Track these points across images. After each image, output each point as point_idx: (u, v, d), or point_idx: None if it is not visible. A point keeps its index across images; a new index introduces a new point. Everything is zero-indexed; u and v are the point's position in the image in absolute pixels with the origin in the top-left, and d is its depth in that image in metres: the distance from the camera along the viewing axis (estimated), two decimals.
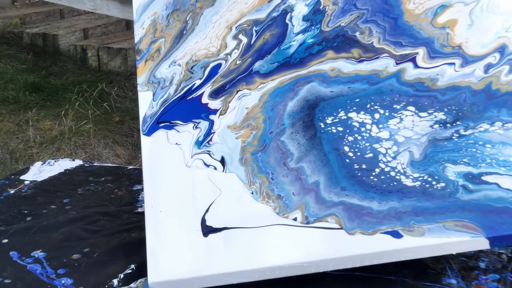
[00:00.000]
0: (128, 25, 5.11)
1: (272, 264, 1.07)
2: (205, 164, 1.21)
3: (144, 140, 1.26)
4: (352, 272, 1.22)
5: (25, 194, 1.65)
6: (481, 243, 1.07)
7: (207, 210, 1.14)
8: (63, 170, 1.79)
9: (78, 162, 1.86)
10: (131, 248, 1.31)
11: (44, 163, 1.83)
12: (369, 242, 1.07)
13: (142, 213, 1.38)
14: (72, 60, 4.63)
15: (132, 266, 1.26)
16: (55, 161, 1.84)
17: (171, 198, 1.18)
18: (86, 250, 1.35)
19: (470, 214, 1.08)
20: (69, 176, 1.76)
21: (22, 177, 1.75)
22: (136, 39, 1.44)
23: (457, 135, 1.17)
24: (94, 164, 1.88)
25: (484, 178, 1.12)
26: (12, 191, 1.68)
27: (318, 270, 1.08)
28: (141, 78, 1.37)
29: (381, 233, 1.08)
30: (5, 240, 1.40)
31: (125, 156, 3.36)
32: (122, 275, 1.25)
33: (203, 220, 1.13)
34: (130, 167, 1.88)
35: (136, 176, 1.74)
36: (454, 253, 1.08)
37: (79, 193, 1.65)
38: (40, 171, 1.77)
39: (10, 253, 1.34)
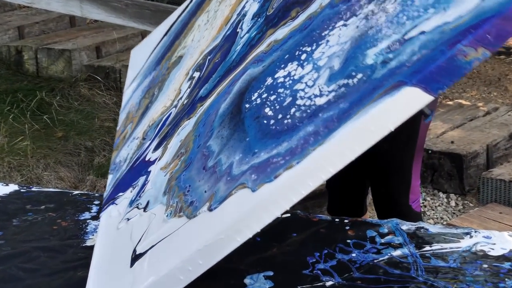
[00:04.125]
0: (72, 21, 4.72)
1: (189, 254, 1.01)
2: (128, 219, 1.25)
3: (100, 220, 1.38)
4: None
5: None
6: (413, 95, 0.89)
7: (138, 242, 1.17)
8: None
9: (12, 187, 1.75)
10: None
11: None
12: (272, 187, 0.97)
13: (91, 248, 1.30)
14: (5, 64, 4.27)
15: None
16: None
17: (109, 255, 1.23)
18: None
19: (382, 86, 0.92)
20: (1, 204, 1.65)
21: None
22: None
23: (383, 17, 1.04)
24: (33, 189, 1.78)
25: (408, 35, 0.96)
26: None
27: (243, 237, 0.97)
28: (110, 168, 1.54)
29: (281, 174, 0.97)
30: None
31: (70, 179, 3.16)
32: None
33: (134, 251, 1.16)
34: (76, 192, 1.80)
35: (84, 203, 1.64)
36: (392, 129, 0.91)
37: (14, 224, 1.55)
38: None
39: None
